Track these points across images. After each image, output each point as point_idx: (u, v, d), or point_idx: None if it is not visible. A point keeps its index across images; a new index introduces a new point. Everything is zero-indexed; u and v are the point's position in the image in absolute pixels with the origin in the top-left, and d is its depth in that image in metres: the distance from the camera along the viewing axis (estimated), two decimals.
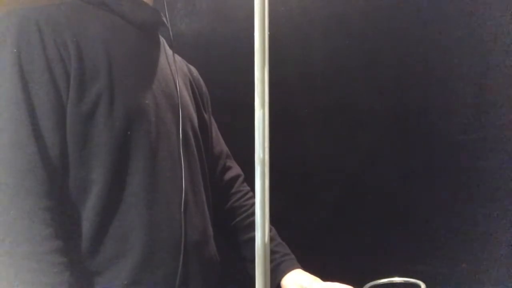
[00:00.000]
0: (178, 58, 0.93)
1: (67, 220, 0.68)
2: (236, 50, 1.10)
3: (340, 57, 1.25)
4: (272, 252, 0.92)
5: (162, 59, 0.87)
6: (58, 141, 0.67)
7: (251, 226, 0.98)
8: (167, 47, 0.92)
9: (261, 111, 0.34)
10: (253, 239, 0.99)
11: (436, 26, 1.18)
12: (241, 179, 1.04)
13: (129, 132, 0.72)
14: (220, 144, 1.03)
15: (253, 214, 0.98)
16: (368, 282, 0.82)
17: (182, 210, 0.78)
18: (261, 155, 0.34)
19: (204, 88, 1.00)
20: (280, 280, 0.90)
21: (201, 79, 1.00)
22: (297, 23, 1.28)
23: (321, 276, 1.19)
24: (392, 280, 0.82)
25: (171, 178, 0.79)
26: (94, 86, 0.71)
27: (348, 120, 1.25)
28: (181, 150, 0.82)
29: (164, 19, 0.87)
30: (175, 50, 0.91)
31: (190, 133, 0.87)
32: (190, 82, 0.95)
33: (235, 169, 1.04)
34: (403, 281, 0.82)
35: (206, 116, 0.97)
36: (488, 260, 1.11)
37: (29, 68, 0.67)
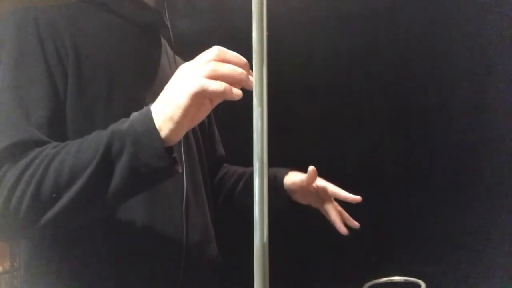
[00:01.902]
0: (179, 59, 0.94)
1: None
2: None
3: (340, 57, 1.25)
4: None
5: (163, 60, 0.87)
6: (48, 134, 0.66)
7: (240, 176, 1.01)
8: (169, 48, 0.92)
9: (259, 109, 0.35)
10: (243, 188, 0.97)
11: (436, 26, 1.18)
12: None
13: None
14: (221, 148, 1.05)
15: (235, 171, 1.03)
16: (368, 281, 0.82)
17: (183, 209, 0.78)
18: (260, 153, 0.34)
19: None
20: (282, 184, 0.94)
21: None
22: (297, 23, 1.28)
23: (321, 275, 1.19)
24: (392, 279, 0.82)
25: (172, 179, 0.79)
26: (93, 85, 0.72)
27: (348, 120, 1.25)
28: (182, 150, 0.82)
29: (165, 20, 0.88)
30: (175, 50, 0.92)
31: (191, 134, 0.88)
32: None
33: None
34: (403, 280, 0.82)
35: (205, 119, 0.98)
36: (488, 260, 1.11)
37: (25, 60, 0.68)
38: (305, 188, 0.91)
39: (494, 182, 1.11)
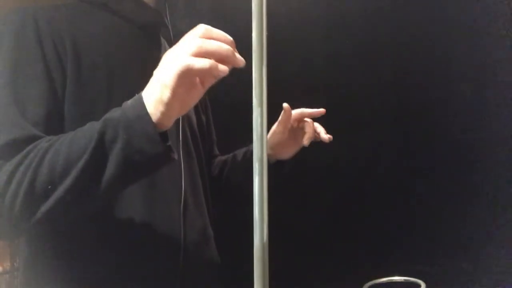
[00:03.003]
0: None
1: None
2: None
3: (340, 57, 1.25)
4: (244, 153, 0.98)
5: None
6: (45, 132, 0.65)
7: (222, 168, 1.01)
8: (168, 48, 0.92)
9: (259, 109, 0.35)
10: (228, 173, 0.98)
11: (436, 26, 1.18)
12: None
13: None
14: (216, 149, 1.06)
15: (220, 158, 1.03)
16: (368, 281, 0.82)
17: (181, 210, 0.78)
18: (260, 153, 0.34)
19: None
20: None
21: None
22: (297, 23, 1.28)
23: (322, 275, 1.19)
24: (392, 279, 0.82)
25: (170, 178, 0.79)
26: (92, 85, 0.72)
27: (348, 120, 1.25)
28: (181, 151, 0.82)
29: (166, 20, 0.88)
30: None
31: (189, 135, 0.88)
32: None
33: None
34: (403, 280, 0.82)
35: (203, 118, 0.98)
36: (488, 260, 1.11)
37: (24, 58, 0.68)
38: (285, 128, 0.91)
39: (494, 182, 1.11)
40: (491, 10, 1.11)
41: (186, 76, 0.57)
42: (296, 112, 0.92)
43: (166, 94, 0.57)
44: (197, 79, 0.60)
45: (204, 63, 0.55)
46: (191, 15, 1.37)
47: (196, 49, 0.56)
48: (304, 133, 0.93)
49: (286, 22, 1.27)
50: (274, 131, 0.93)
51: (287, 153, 0.96)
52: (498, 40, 1.11)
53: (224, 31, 0.60)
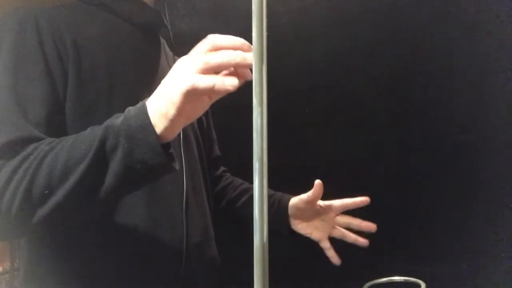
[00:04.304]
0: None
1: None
2: None
3: (340, 57, 1.25)
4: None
5: (162, 60, 0.87)
6: (47, 133, 0.65)
7: (242, 192, 1.02)
8: (167, 49, 0.93)
9: (259, 109, 0.35)
10: (248, 200, 0.98)
11: (436, 26, 1.18)
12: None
13: None
14: (217, 149, 1.06)
15: (241, 184, 1.04)
16: (368, 281, 0.82)
17: (183, 209, 0.78)
18: (260, 153, 0.34)
19: None
20: (287, 206, 0.95)
21: None
22: (297, 23, 1.28)
23: (322, 275, 1.19)
24: (392, 279, 0.82)
25: (172, 178, 0.79)
26: (93, 85, 0.72)
27: (348, 120, 1.24)
28: (182, 150, 0.82)
29: (165, 20, 0.88)
30: (175, 50, 0.92)
31: (191, 134, 0.88)
32: None
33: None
34: (403, 280, 0.82)
35: (203, 119, 0.98)
36: (488, 260, 1.11)
37: (25, 59, 0.67)
38: (311, 204, 0.92)
39: (494, 182, 1.11)
40: (492, 10, 1.11)
41: (192, 95, 0.56)
42: (336, 204, 0.94)
43: (171, 111, 0.56)
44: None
45: (208, 82, 0.54)
46: (191, 15, 1.37)
47: (202, 65, 0.55)
48: (335, 225, 0.95)
49: (286, 22, 1.27)
50: (300, 199, 0.94)
51: (300, 228, 0.96)
52: (499, 40, 1.11)
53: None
